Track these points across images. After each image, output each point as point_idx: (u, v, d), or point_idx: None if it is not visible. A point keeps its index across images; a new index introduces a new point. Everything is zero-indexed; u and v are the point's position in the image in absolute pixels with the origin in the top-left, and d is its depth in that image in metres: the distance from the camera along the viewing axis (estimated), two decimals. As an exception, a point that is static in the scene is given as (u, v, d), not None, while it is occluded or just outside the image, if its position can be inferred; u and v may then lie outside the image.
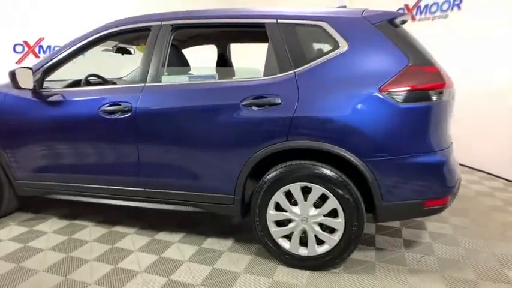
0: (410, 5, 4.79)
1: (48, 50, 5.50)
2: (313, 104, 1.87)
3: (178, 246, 2.33)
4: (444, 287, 1.90)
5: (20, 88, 2.28)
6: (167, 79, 2.20)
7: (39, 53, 5.50)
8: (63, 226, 2.62)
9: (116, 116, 2.15)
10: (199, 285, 1.90)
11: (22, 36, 5.30)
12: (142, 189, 2.24)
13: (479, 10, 3.92)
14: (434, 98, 1.81)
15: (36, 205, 2.96)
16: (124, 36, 2.44)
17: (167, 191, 2.21)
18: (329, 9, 2.06)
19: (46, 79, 2.41)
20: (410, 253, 2.25)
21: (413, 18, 4.70)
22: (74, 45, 2.36)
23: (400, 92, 1.79)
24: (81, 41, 2.35)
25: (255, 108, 1.94)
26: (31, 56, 5.48)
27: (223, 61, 3.16)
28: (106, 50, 3.00)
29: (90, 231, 2.54)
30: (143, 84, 2.17)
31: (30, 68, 2.29)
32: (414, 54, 1.86)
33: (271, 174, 1.97)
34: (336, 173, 1.88)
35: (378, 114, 1.81)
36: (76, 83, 2.68)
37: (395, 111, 1.80)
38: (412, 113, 1.81)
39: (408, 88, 1.79)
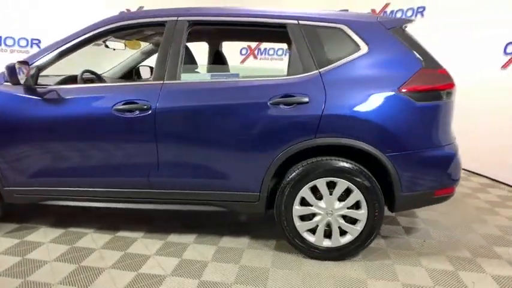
0: (377, 10, 5.16)
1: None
2: (340, 102, 1.97)
3: (195, 248, 2.28)
4: (451, 266, 2.13)
5: (18, 84, 2.05)
6: (187, 77, 2.14)
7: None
8: (59, 235, 2.41)
9: (133, 114, 2.05)
10: (233, 284, 1.90)
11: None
12: (161, 191, 2.16)
13: (441, 17, 4.37)
14: (444, 97, 2.02)
15: (16, 214, 2.66)
16: (133, 30, 2.31)
17: (187, 191, 2.16)
18: (347, 13, 2.17)
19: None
20: (413, 238, 2.48)
21: (380, 23, 5.06)
22: (77, 38, 2.18)
23: (416, 91, 1.97)
24: (85, 34, 2.18)
25: (282, 106, 1.99)
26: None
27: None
28: (96, 44, 2.80)
29: (92, 239, 2.37)
30: (161, 82, 2.09)
31: (26, 62, 2.07)
32: (426, 57, 2.06)
33: (298, 170, 2.04)
34: (359, 167, 2.01)
35: (398, 112, 1.97)
36: (69, 79, 2.48)
37: (413, 109, 1.97)
38: (427, 111, 2.00)
39: (424, 88, 1.98)
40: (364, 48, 2.05)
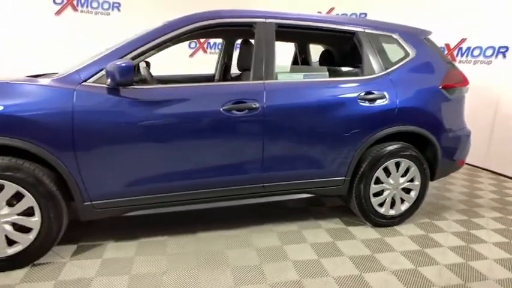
0: (324, 12, 5.85)
1: None
2: (407, 97, 2.44)
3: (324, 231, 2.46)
4: (465, 216, 2.90)
5: (130, 85, 1.84)
6: (282, 76, 2.27)
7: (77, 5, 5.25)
8: (139, 246, 2.23)
9: (242, 113, 2.09)
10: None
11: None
12: (261, 185, 2.26)
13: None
14: (463, 91, 2.72)
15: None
16: (219, 29, 2.26)
17: (286, 182, 2.32)
18: (397, 24, 2.65)
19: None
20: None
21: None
22: (164, 36, 2.05)
23: (449, 88, 2.60)
24: (173, 31, 2.07)
25: (367, 101, 2.35)
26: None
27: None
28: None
29: (193, 242, 2.28)
30: (263, 82, 2.18)
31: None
32: (448, 61, 2.71)
33: (373, 155, 2.44)
34: (415, 149, 2.55)
35: (441, 104, 2.57)
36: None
37: (448, 101, 2.60)
38: (455, 102, 2.66)
39: (453, 85, 2.62)
40: (412, 53, 2.57)
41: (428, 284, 1.97)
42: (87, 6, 5.37)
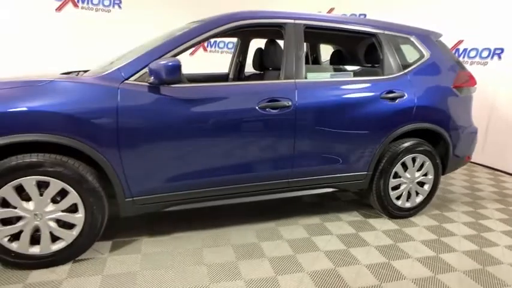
0: (323, 12, 5.99)
1: None
2: (423, 96, 2.59)
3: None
4: (468, 207, 3.10)
5: (175, 83, 1.90)
6: (311, 76, 2.37)
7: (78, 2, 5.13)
8: (174, 240, 2.30)
9: (276, 111, 2.18)
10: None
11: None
12: (286, 180, 2.36)
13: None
14: (472, 91, 2.90)
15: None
16: (249, 29, 2.34)
17: (311, 177, 2.43)
18: (412, 26, 2.79)
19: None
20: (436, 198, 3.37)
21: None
22: (203, 34, 2.11)
23: (459, 87, 2.78)
24: (212, 29, 2.13)
25: (388, 100, 2.49)
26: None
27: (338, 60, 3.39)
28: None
29: (217, 236, 2.36)
30: (294, 81, 2.27)
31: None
32: (458, 62, 2.89)
33: (392, 151, 2.58)
34: (430, 145, 2.71)
35: (453, 102, 2.74)
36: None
37: (459, 100, 2.78)
38: (465, 101, 2.84)
39: (463, 85, 2.80)
40: (427, 54, 2.73)
41: (450, 268, 2.12)
42: (88, 3, 5.30)
